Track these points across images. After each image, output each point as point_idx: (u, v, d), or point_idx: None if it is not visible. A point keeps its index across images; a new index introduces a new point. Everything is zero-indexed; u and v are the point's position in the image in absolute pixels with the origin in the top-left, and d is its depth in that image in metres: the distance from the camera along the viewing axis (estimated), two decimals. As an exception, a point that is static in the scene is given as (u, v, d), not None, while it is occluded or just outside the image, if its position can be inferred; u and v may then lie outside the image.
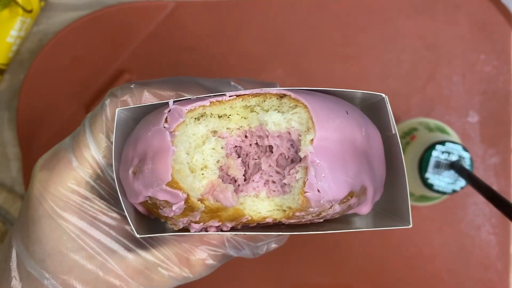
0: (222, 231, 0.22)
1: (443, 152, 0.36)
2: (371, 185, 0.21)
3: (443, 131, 0.39)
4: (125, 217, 0.23)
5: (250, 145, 0.21)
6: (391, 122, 0.21)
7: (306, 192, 0.19)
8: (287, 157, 0.21)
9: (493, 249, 0.44)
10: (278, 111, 0.20)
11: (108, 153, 0.24)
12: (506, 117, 0.44)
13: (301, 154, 0.19)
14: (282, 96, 0.20)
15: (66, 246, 0.24)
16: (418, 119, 0.41)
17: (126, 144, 0.22)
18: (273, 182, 0.21)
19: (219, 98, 0.21)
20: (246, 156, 0.22)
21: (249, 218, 0.21)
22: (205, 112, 0.21)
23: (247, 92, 0.20)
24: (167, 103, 0.21)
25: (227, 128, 0.21)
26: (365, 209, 0.21)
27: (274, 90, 0.20)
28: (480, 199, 0.44)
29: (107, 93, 0.24)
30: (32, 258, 0.24)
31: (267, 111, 0.21)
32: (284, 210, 0.21)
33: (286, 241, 0.45)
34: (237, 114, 0.21)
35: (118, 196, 0.23)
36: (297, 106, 0.20)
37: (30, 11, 0.44)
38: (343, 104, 0.21)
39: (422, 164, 0.36)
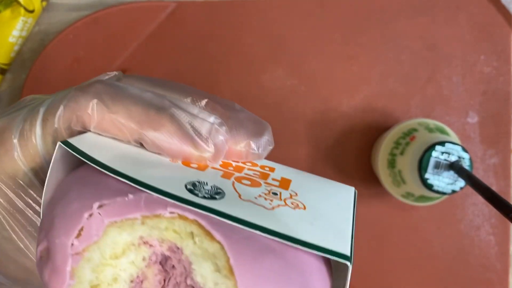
0: None
1: (442, 153, 0.36)
2: None
3: (442, 131, 0.39)
4: None
5: (179, 261, 0.17)
6: None
7: None
8: None
9: (493, 249, 0.44)
10: (213, 262, 0.17)
11: (52, 152, 0.21)
12: (506, 117, 0.44)
13: None
14: (224, 248, 0.16)
15: None
16: (418, 120, 0.41)
17: (52, 200, 0.19)
18: None
19: (157, 212, 0.17)
20: (172, 268, 0.18)
21: None
22: (134, 222, 0.17)
23: (190, 216, 0.16)
24: (108, 172, 0.17)
25: (159, 239, 0.17)
26: None
27: (218, 236, 0.16)
28: (479, 199, 0.44)
29: (71, 91, 0.21)
30: None
31: (203, 252, 0.17)
32: None
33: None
34: (174, 230, 0.17)
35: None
36: (230, 278, 0.16)
37: (32, 11, 0.44)
38: (293, 278, 0.17)
39: (422, 165, 0.36)
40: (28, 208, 0.23)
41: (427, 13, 0.45)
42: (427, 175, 0.36)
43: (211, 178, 0.18)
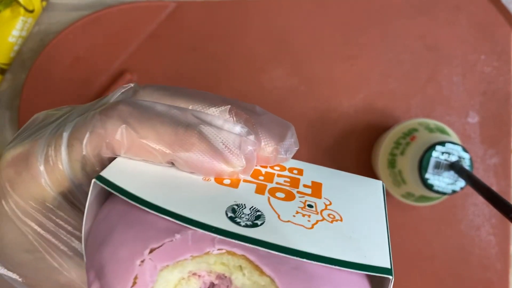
0: None
1: (443, 153, 0.36)
2: None
3: (443, 131, 0.39)
4: None
5: (228, 287, 0.18)
6: None
7: None
8: None
9: (493, 249, 0.44)
10: None
11: (82, 179, 0.21)
12: (506, 117, 0.44)
13: None
14: (274, 281, 0.17)
15: (21, 246, 0.22)
16: (418, 120, 0.41)
17: (96, 233, 0.19)
18: None
19: (206, 250, 0.17)
20: None
21: None
22: (184, 262, 0.17)
23: (238, 252, 0.17)
24: (148, 211, 0.17)
25: (208, 271, 0.18)
26: None
27: (268, 271, 0.17)
28: (479, 199, 0.44)
29: (95, 116, 0.20)
30: None
31: (253, 284, 0.17)
32: None
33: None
34: (223, 264, 0.18)
35: (84, 210, 0.20)
36: None
37: (31, 11, 0.44)
38: None
39: (422, 165, 0.36)
40: (60, 229, 0.22)
41: (427, 13, 0.45)
42: (427, 175, 0.36)
43: (246, 198, 0.19)
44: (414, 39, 0.45)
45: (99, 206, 0.20)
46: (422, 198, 0.40)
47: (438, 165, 0.36)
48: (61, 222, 0.22)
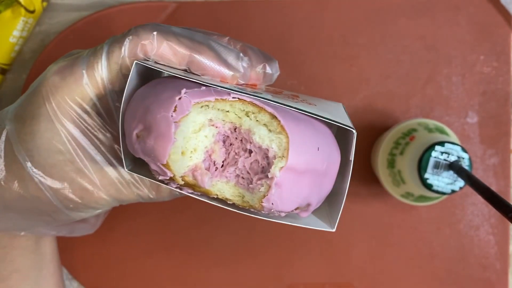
0: (193, 194, 0.27)
1: (442, 153, 0.36)
2: (315, 201, 0.26)
3: (442, 131, 0.39)
4: (115, 137, 0.28)
5: (236, 138, 0.25)
6: (351, 153, 0.25)
7: (263, 202, 0.24)
8: (259, 164, 0.25)
9: (492, 249, 0.44)
10: (267, 128, 0.24)
11: (116, 81, 0.27)
12: (506, 118, 0.45)
13: (269, 175, 0.24)
14: (274, 117, 0.24)
15: (55, 146, 0.27)
16: (418, 120, 0.41)
17: (136, 100, 0.25)
18: (243, 178, 0.25)
19: (224, 97, 0.24)
20: (230, 145, 0.25)
21: (215, 197, 0.25)
22: (208, 105, 0.24)
23: (247, 99, 0.24)
24: (180, 78, 0.25)
25: (222, 120, 0.24)
26: (304, 215, 0.26)
27: (269, 109, 0.24)
28: (479, 199, 0.44)
29: (131, 30, 0.26)
30: (21, 145, 0.27)
31: (258, 122, 0.24)
32: (244, 200, 0.25)
33: (286, 240, 0.45)
34: (235, 113, 0.24)
35: (115, 118, 0.27)
36: (282, 133, 0.23)
37: (32, 12, 0.44)
38: (320, 137, 0.25)
39: (422, 165, 0.36)
40: (90, 130, 0.27)
41: (427, 13, 0.45)
42: (426, 175, 0.36)
43: (246, 89, 0.25)
44: (414, 39, 0.45)
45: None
46: (422, 198, 0.40)
47: (437, 165, 0.36)
48: (92, 124, 0.27)
